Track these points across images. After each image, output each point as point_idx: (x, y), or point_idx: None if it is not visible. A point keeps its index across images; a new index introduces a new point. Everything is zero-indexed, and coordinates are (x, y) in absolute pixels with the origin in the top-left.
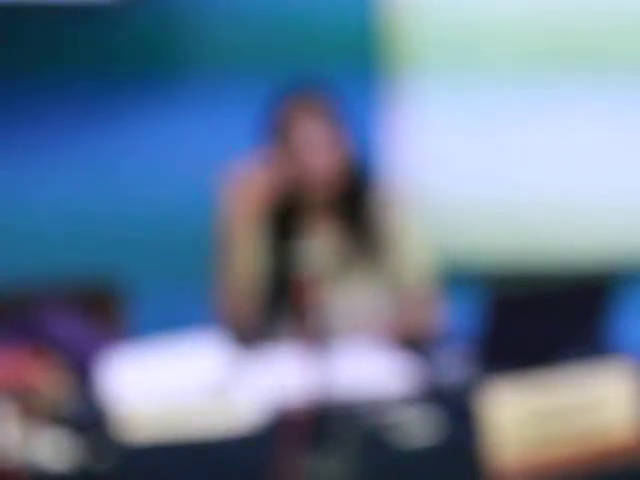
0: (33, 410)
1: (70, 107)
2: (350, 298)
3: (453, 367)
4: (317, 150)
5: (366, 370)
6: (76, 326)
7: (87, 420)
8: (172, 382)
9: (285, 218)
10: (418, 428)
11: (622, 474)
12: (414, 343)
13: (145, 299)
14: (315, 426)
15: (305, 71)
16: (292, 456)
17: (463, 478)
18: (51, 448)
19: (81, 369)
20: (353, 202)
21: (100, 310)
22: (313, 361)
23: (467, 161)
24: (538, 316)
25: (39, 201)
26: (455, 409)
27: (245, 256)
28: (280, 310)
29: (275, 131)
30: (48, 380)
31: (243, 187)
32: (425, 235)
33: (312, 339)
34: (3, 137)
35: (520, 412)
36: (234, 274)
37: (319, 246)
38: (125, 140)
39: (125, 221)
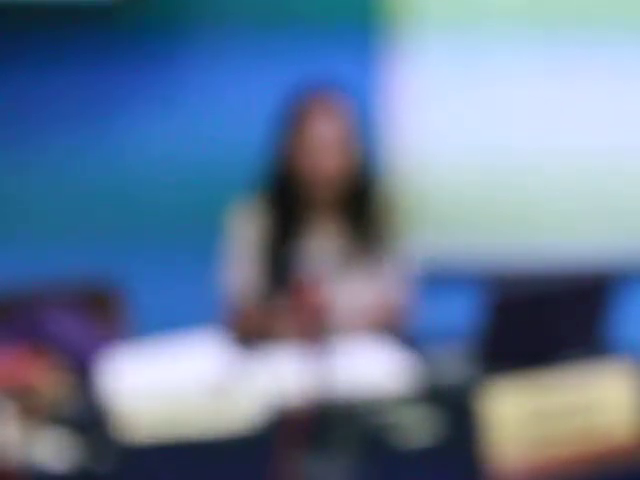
0: (33, 410)
1: (68, 107)
2: (350, 297)
3: (453, 367)
4: (329, 151)
5: (366, 370)
6: (76, 326)
7: (87, 420)
8: (172, 382)
9: (288, 217)
10: (418, 428)
11: (622, 474)
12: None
13: (145, 299)
14: (315, 426)
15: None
16: (292, 456)
17: (463, 478)
18: (51, 448)
19: (81, 369)
20: (357, 203)
21: (100, 310)
22: (313, 361)
23: (466, 120)
24: (538, 316)
25: (38, 201)
26: (455, 409)
27: (247, 257)
28: (281, 309)
29: (290, 127)
30: (48, 380)
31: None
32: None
33: (312, 339)
34: (2, 138)
35: (520, 412)
36: (237, 275)
37: (320, 245)
38: (124, 139)
39: (125, 220)
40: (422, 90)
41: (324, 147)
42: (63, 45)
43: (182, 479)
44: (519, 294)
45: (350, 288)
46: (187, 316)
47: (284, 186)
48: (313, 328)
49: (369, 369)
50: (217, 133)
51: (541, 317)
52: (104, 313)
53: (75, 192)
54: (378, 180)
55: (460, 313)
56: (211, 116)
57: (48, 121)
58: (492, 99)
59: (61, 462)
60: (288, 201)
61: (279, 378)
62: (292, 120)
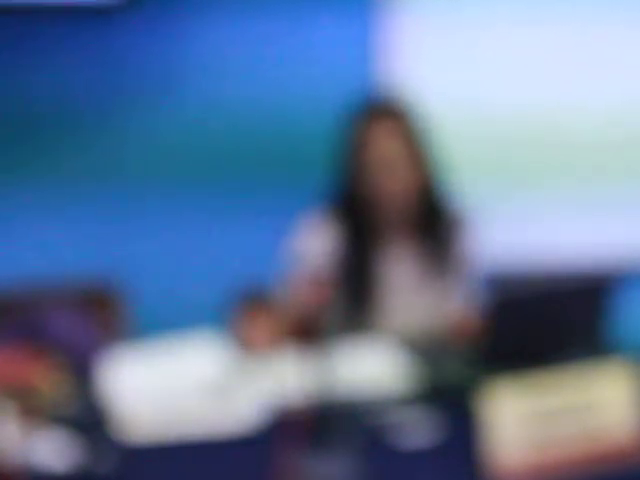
0: (33, 410)
1: (68, 108)
2: (419, 314)
3: (453, 367)
4: (395, 169)
5: (366, 370)
6: (76, 326)
7: (87, 420)
8: (172, 382)
9: (358, 236)
10: (418, 428)
11: (622, 474)
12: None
13: (145, 299)
14: (315, 426)
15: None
16: (292, 456)
17: (463, 478)
18: (51, 448)
19: (81, 369)
20: (427, 222)
21: (100, 310)
22: (313, 361)
23: (462, 73)
24: (539, 316)
25: (38, 203)
26: (455, 409)
27: (313, 276)
28: (352, 325)
29: (352, 147)
30: (48, 380)
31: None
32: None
33: (313, 339)
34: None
35: (520, 412)
36: (300, 293)
37: (393, 265)
38: (117, 144)
39: (125, 220)
40: (417, 42)
41: (388, 166)
42: (63, 45)
43: (182, 479)
44: (520, 294)
45: (424, 308)
46: (187, 316)
47: (352, 206)
48: (314, 328)
49: (369, 369)
50: (217, 131)
51: (541, 317)
52: (104, 313)
53: (75, 191)
54: (447, 195)
55: None
56: (210, 119)
57: (46, 122)
58: (489, 51)
59: (61, 462)
60: (357, 221)
61: (279, 378)
62: (355, 137)
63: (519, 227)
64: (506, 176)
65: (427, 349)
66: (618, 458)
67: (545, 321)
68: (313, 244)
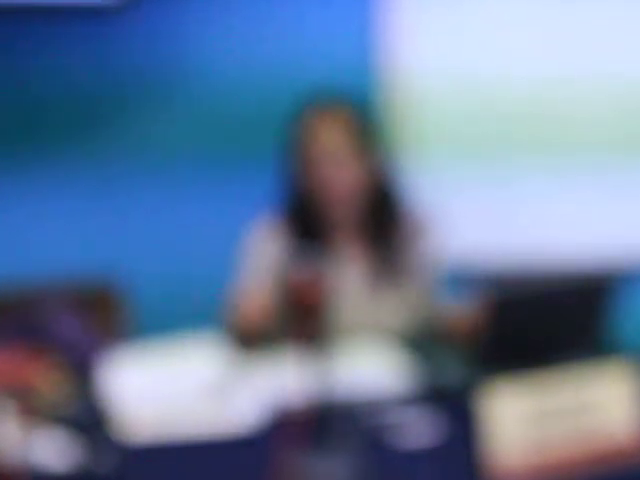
0: (33, 410)
1: (65, 108)
2: (374, 317)
3: (453, 367)
4: (339, 163)
5: (366, 370)
6: (76, 326)
7: (87, 420)
8: (172, 382)
9: (307, 236)
10: (418, 428)
11: (622, 474)
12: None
13: (145, 299)
14: (315, 426)
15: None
16: (292, 456)
17: (463, 478)
18: (51, 448)
19: (81, 369)
20: (379, 220)
21: (100, 310)
22: (313, 361)
23: (462, 49)
24: (538, 316)
25: (38, 201)
26: (455, 409)
27: (263, 279)
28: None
29: (295, 143)
30: (48, 380)
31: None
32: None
33: (312, 339)
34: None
35: (520, 412)
36: (250, 298)
37: (345, 266)
38: (121, 141)
39: (126, 219)
40: (418, 17)
41: (334, 161)
42: (62, 45)
43: (182, 479)
44: (519, 294)
45: (382, 309)
46: (188, 316)
47: (300, 205)
48: (312, 328)
49: (369, 369)
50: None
51: (541, 317)
52: (104, 313)
53: (75, 193)
54: (400, 190)
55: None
56: (209, 119)
57: (42, 122)
58: (489, 26)
59: (61, 462)
60: (306, 221)
61: (279, 379)
62: (297, 135)
63: (510, 213)
64: (508, 154)
65: (427, 349)
66: (618, 458)
67: (545, 321)
68: (264, 247)
